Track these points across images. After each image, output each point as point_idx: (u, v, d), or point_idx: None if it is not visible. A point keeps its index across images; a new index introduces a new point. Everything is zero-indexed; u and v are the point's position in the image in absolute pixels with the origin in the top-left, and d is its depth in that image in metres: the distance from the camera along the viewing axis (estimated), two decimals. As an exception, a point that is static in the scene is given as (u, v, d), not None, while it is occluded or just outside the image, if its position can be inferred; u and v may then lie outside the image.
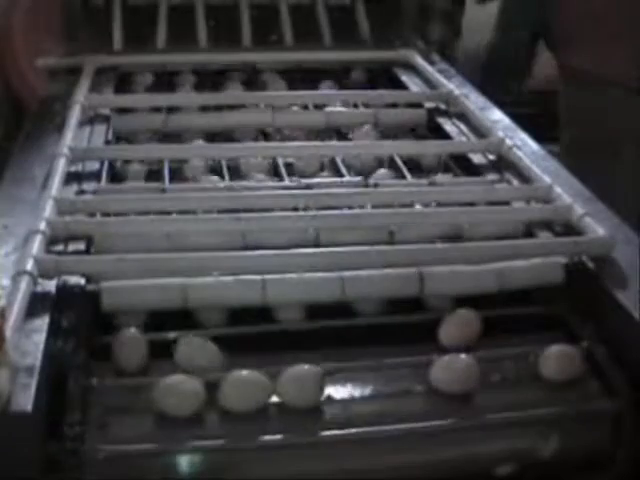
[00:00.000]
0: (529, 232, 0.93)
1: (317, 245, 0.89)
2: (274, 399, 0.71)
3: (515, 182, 1.04)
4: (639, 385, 0.74)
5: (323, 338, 0.80)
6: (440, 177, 1.06)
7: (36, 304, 0.75)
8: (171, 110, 1.24)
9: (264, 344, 0.79)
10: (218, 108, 1.26)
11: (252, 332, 0.80)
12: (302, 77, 1.46)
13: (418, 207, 0.97)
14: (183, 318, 0.80)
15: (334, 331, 0.81)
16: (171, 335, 0.78)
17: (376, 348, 0.80)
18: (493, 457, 0.73)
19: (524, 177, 1.04)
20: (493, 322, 0.81)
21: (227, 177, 1.08)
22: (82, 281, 0.80)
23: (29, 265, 0.78)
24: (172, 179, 1.06)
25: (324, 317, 0.81)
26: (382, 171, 1.10)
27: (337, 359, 0.76)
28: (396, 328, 0.81)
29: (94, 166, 1.06)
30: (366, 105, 1.30)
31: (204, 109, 1.28)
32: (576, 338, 0.79)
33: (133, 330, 0.77)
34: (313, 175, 1.09)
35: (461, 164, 1.13)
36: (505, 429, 0.74)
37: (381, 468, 0.72)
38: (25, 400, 0.63)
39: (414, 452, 0.72)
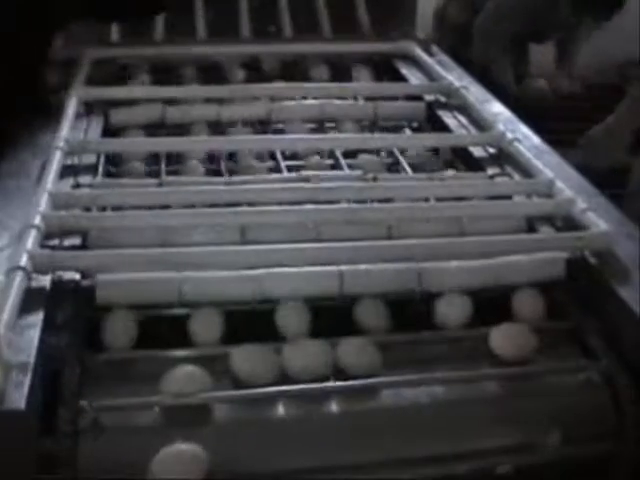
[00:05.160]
0: (531, 227, 0.92)
1: (316, 240, 0.87)
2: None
3: (516, 176, 1.03)
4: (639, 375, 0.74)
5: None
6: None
7: (30, 300, 0.74)
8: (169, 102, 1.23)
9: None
10: (217, 100, 1.25)
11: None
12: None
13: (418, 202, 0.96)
14: None
15: None
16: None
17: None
18: None
19: (525, 171, 1.03)
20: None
21: (224, 170, 1.07)
22: (77, 276, 0.79)
23: (23, 260, 0.77)
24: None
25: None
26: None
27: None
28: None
29: (90, 159, 1.05)
30: (366, 98, 1.30)
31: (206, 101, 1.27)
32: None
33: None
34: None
35: (462, 157, 1.12)
36: None
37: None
38: (19, 397, 0.62)
39: None
